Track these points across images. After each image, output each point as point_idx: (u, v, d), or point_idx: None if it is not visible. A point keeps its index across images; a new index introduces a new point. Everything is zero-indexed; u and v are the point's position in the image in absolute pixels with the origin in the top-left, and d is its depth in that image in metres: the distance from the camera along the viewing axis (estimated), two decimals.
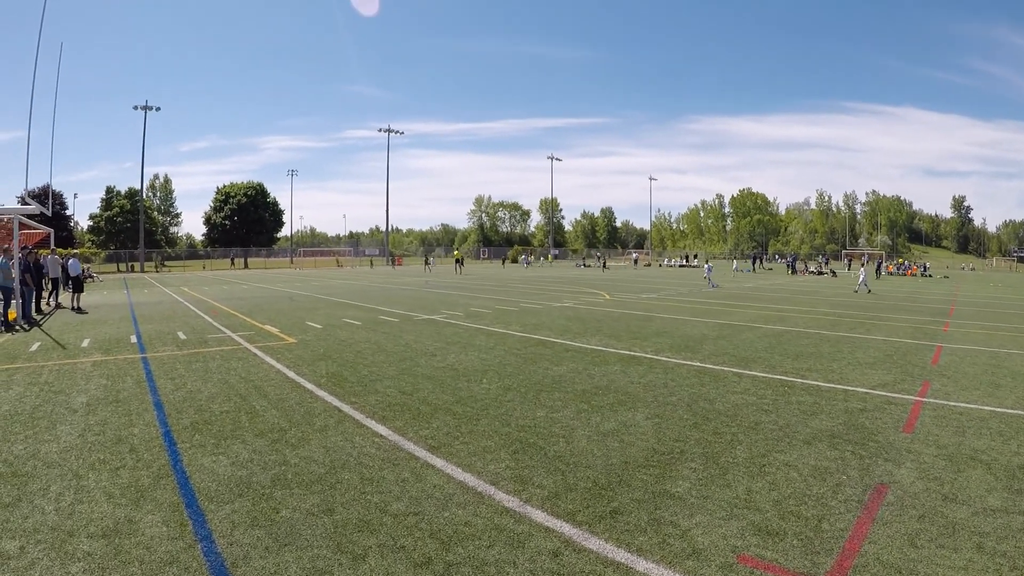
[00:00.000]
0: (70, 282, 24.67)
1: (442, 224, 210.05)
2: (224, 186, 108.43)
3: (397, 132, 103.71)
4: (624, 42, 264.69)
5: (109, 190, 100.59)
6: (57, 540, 4.67)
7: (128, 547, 4.55)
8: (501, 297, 27.87)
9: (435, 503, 5.28)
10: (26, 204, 22.51)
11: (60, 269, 25.71)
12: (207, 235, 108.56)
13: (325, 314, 20.41)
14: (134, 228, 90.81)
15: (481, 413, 8.06)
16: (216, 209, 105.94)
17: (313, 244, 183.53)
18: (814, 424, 7.64)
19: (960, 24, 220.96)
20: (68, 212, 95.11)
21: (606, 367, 11.01)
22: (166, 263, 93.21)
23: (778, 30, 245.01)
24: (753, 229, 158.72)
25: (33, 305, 20.83)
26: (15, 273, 18.57)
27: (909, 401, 8.89)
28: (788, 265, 65.08)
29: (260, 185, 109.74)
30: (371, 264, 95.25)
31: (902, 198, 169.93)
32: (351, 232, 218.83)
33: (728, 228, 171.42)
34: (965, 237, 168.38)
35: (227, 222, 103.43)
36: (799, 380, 10.17)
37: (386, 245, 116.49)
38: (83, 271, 49.96)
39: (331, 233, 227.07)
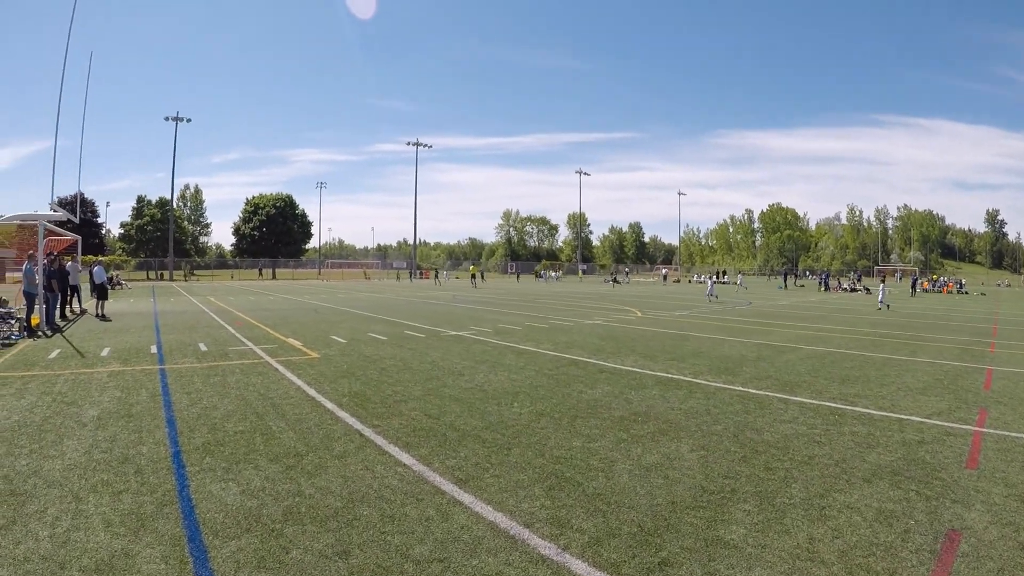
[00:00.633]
0: (95, 289, 24.60)
1: (469, 238, 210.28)
2: (253, 197, 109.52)
3: (425, 146, 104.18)
4: (653, 55, 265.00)
5: (140, 199, 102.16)
6: (47, 571, 4.29)
7: None
8: (531, 313, 27.40)
9: (463, 548, 4.78)
10: (54, 211, 22.50)
11: (79, 276, 25.74)
12: (236, 245, 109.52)
13: (350, 328, 20.06)
14: (164, 237, 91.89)
15: (513, 441, 7.49)
16: (245, 220, 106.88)
17: (341, 256, 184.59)
18: (871, 459, 7.03)
19: (991, 33, 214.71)
20: (99, 220, 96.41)
21: (644, 391, 10.40)
22: (195, 272, 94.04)
23: (806, 43, 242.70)
24: (783, 245, 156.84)
25: (57, 311, 20.74)
26: (39, 279, 18.45)
27: (967, 432, 8.23)
28: (821, 282, 64.22)
29: (289, 197, 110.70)
30: (397, 277, 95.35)
31: (934, 212, 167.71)
32: (379, 245, 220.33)
33: (758, 244, 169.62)
34: (999, 252, 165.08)
35: (256, 233, 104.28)
36: (849, 408, 9.53)
37: (413, 259, 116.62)
38: (112, 278, 50.50)
39: (359, 245, 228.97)
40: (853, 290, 57.74)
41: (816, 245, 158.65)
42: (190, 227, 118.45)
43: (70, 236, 29.30)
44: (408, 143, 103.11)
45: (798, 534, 5.06)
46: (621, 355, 14.42)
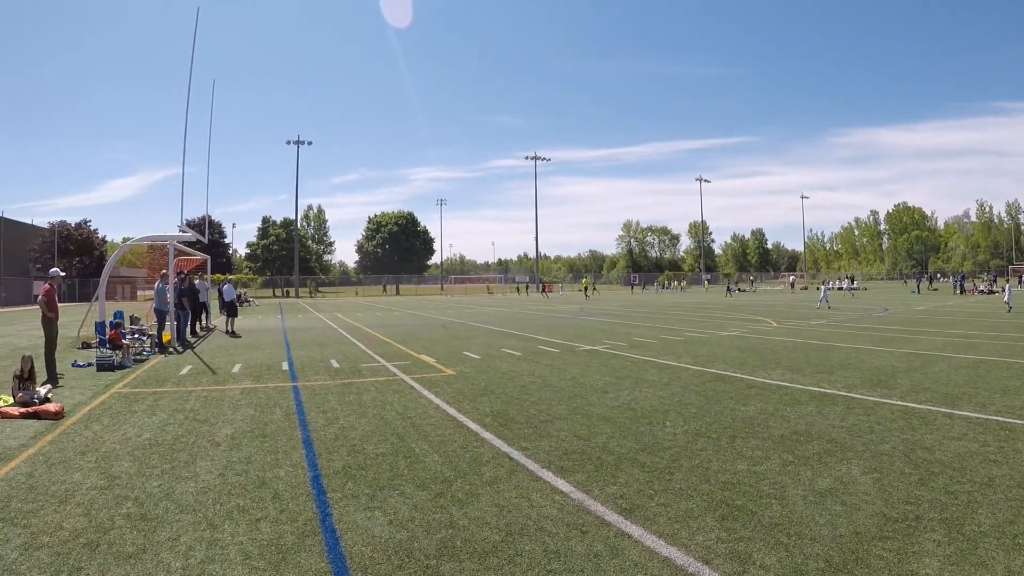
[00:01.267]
0: (224, 307, 25.38)
1: (590, 250, 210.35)
2: (376, 215, 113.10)
3: (543, 159, 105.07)
4: (764, 57, 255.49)
5: (265, 220, 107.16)
6: None
7: None
8: (662, 325, 26.58)
9: None
10: (183, 232, 23.37)
11: (208, 294, 26.66)
12: (359, 263, 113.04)
13: (482, 343, 19.83)
14: (289, 256, 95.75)
15: (673, 465, 6.93)
16: (368, 238, 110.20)
17: (462, 271, 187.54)
18: None
19: None
20: (227, 240, 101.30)
21: (799, 407, 9.78)
22: (320, 289, 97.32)
23: (922, 31, 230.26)
24: (911, 246, 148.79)
25: (188, 328, 21.40)
26: (170, 297, 19.05)
27: None
28: (956, 284, 60.46)
29: (411, 214, 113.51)
30: (518, 291, 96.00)
31: None
32: (499, 259, 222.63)
33: (885, 246, 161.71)
34: None
35: (379, 250, 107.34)
36: (1019, 422, 8.61)
37: (536, 272, 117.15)
38: (241, 296, 52.64)
39: (480, 260, 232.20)
40: (991, 292, 54.76)
41: (946, 245, 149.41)
42: (314, 246, 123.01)
43: (199, 256, 30.52)
44: (526, 157, 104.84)
45: (995, 566, 4.49)
46: (767, 368, 13.65)
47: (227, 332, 23.97)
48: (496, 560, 4.64)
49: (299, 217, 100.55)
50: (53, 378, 12.46)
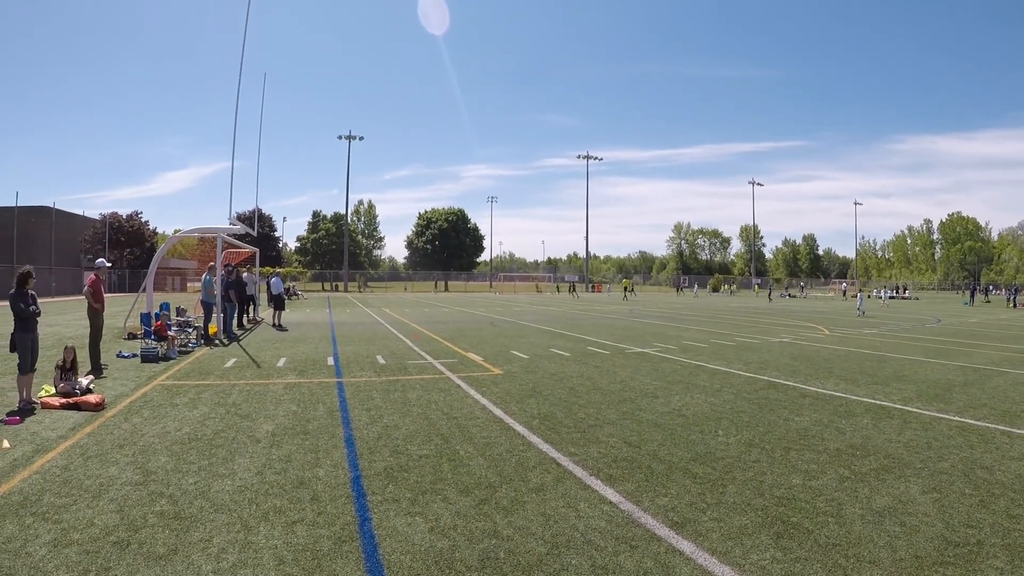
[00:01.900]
0: (272, 299, 25.56)
1: (640, 251, 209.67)
2: (426, 211, 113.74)
3: (596, 159, 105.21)
4: (822, 60, 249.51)
5: (315, 214, 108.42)
6: None
7: None
8: (712, 329, 26.22)
9: None
10: (233, 225, 23.60)
11: (256, 287, 26.89)
12: (409, 258, 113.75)
13: (530, 342, 19.67)
14: (339, 250, 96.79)
15: (726, 476, 6.69)
16: (418, 233, 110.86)
17: (512, 269, 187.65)
18: None
19: None
20: (277, 234, 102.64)
21: (854, 419, 9.54)
22: (369, 284, 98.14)
23: (985, 36, 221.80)
24: (964, 257, 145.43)
25: (235, 320, 21.56)
26: (217, 289, 19.19)
27: None
28: (1009, 297, 58.43)
29: (461, 211, 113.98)
30: (558, 289, 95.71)
31: None
32: (549, 258, 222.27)
33: (937, 256, 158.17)
34: None
35: (428, 246, 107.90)
36: None
37: (586, 272, 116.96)
38: (289, 289, 53.21)
39: (529, 259, 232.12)
40: None
41: (999, 257, 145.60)
42: (364, 240, 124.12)
43: (248, 248, 30.88)
44: (579, 156, 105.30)
45: None
46: (820, 378, 13.35)
47: (274, 325, 24.13)
48: (540, 575, 4.44)
49: (349, 212, 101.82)
50: (97, 369, 12.57)
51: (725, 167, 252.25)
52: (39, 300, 10.29)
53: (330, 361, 14.89)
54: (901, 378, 13.43)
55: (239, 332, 21.36)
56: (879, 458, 7.47)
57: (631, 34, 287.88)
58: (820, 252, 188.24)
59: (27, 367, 9.59)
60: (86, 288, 13.31)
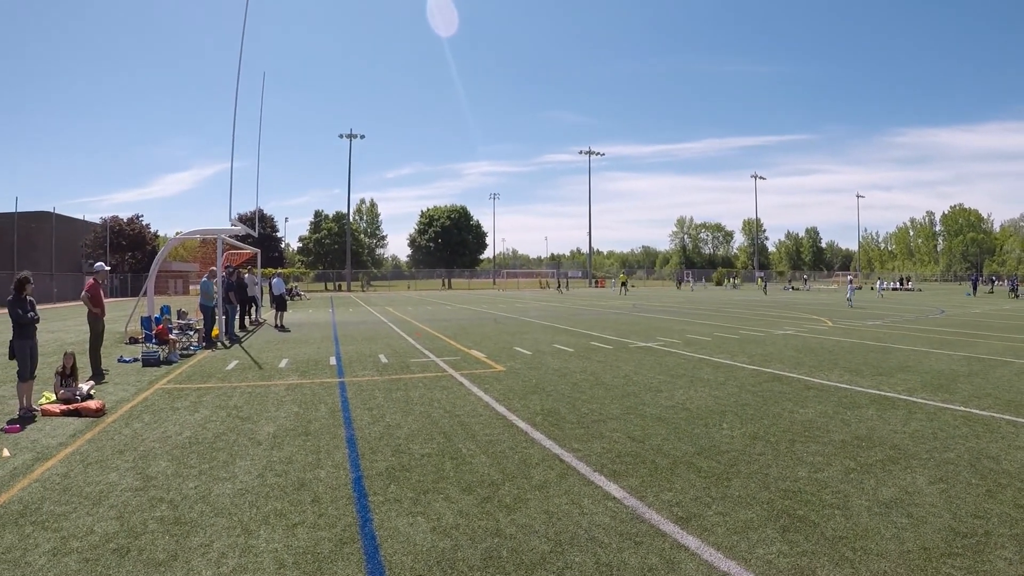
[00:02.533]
0: (274, 300, 25.55)
1: (643, 246, 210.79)
2: (428, 209, 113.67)
3: (598, 154, 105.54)
4: (823, 54, 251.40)
5: (317, 214, 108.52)
6: None
7: None
8: (716, 323, 26.21)
9: None
10: (233, 226, 23.58)
11: (258, 288, 26.87)
12: (411, 256, 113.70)
13: (533, 339, 19.65)
14: (341, 249, 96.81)
15: (730, 470, 6.66)
16: (421, 231, 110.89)
17: (515, 266, 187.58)
18: None
19: None
20: (279, 234, 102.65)
21: (858, 411, 9.51)
22: (372, 283, 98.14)
23: (986, 29, 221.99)
24: (966, 248, 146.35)
25: (236, 322, 21.54)
26: (218, 291, 19.17)
27: None
28: (1011, 288, 58.20)
29: (463, 208, 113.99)
30: (546, 285, 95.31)
31: None
32: (552, 254, 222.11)
33: (940, 248, 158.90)
34: None
35: (431, 244, 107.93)
36: None
37: (589, 268, 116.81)
38: (292, 289, 53.24)
39: (532, 255, 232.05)
40: None
41: (1001, 248, 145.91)
42: (366, 239, 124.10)
43: (249, 250, 30.89)
44: (580, 152, 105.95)
45: None
46: (824, 369, 13.34)
47: (276, 326, 24.14)
48: (544, 573, 4.42)
49: (351, 211, 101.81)
50: (98, 374, 12.55)
51: (727, 161, 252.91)
52: (38, 306, 10.25)
53: (332, 361, 14.87)
54: (906, 369, 13.42)
55: (241, 334, 21.34)
56: (885, 449, 7.44)
57: (632, 30, 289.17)
58: (823, 245, 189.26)
59: (27, 374, 9.55)
60: (84, 293, 13.27)
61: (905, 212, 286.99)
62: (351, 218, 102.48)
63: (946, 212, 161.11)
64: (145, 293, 20.44)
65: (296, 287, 62.06)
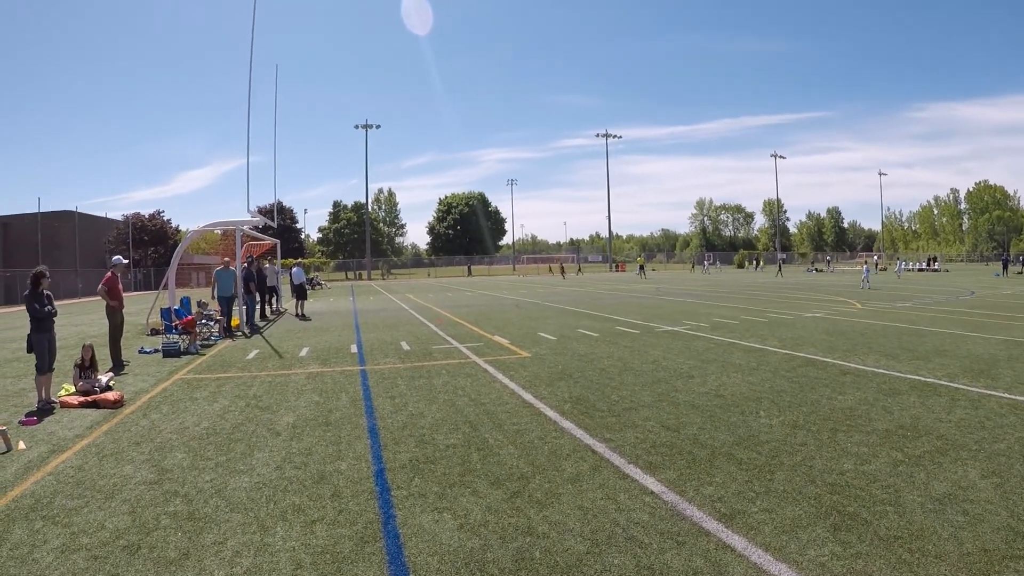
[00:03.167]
0: (294, 290, 25.45)
1: (662, 229, 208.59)
2: (446, 197, 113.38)
3: (615, 136, 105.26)
4: (837, 30, 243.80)
5: (336, 204, 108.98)
6: None
7: None
8: (742, 305, 25.72)
9: None
10: (253, 218, 23.43)
11: (277, 278, 26.78)
12: (431, 244, 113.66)
13: (557, 324, 19.35)
14: (360, 239, 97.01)
15: (772, 462, 6.28)
16: (439, 219, 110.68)
17: (535, 251, 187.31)
18: None
19: None
20: (298, 225, 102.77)
21: (899, 397, 9.05)
22: (392, 271, 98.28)
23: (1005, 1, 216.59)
24: (992, 227, 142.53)
25: (257, 312, 21.40)
26: (238, 282, 18.99)
27: None
28: None
29: (481, 195, 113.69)
30: (549, 271, 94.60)
31: None
32: (571, 239, 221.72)
33: (965, 227, 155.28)
34: None
35: (450, 231, 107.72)
36: None
37: (609, 252, 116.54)
38: (312, 279, 53.22)
39: (552, 240, 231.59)
40: None
41: None
42: (385, 228, 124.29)
43: (269, 240, 30.81)
44: (597, 135, 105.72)
45: None
46: (858, 354, 12.85)
47: (297, 315, 24.05)
48: None
49: (370, 200, 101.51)
50: (118, 365, 12.40)
51: (744, 141, 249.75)
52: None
53: (353, 349, 14.64)
54: (942, 353, 12.93)
55: (262, 324, 21.21)
56: (931, 439, 7.04)
57: (642, 9, 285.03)
58: (845, 225, 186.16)
59: (45, 367, 9.40)
60: (101, 286, 13.10)
61: (927, 190, 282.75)
62: (369, 207, 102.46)
63: (970, 189, 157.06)
64: (166, 286, 20.30)
65: (317, 276, 62.13)
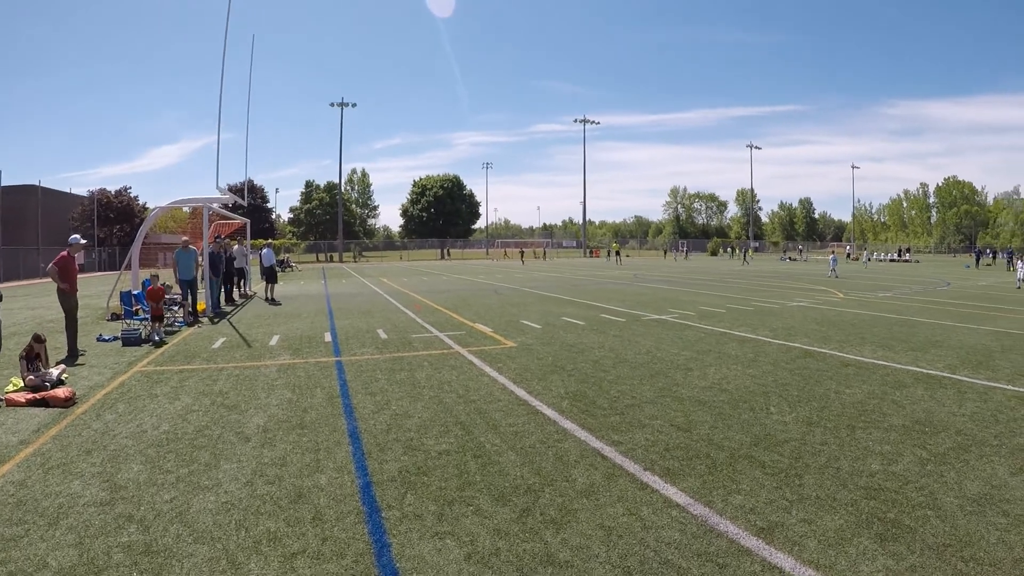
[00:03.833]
0: (264, 272, 24.52)
1: (635, 216, 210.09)
2: (421, 179, 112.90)
3: (593, 122, 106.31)
4: (815, 24, 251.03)
5: (308, 184, 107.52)
6: None
7: None
8: (724, 294, 25.58)
9: None
10: (222, 195, 22.42)
11: (246, 259, 25.79)
12: (404, 226, 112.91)
13: (540, 311, 18.79)
14: (333, 220, 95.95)
15: (797, 464, 5.83)
16: (413, 201, 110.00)
17: (508, 236, 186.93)
18: None
19: None
20: (269, 205, 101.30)
21: (907, 390, 8.84)
22: (364, 254, 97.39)
23: (980, 1, 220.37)
24: (960, 221, 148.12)
25: (223, 296, 20.48)
26: (204, 263, 18.05)
27: None
28: (1009, 260, 58.00)
29: (456, 178, 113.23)
30: (520, 256, 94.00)
31: None
32: (544, 224, 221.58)
33: (933, 220, 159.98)
34: None
35: (424, 214, 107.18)
36: None
37: (583, 237, 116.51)
38: (284, 261, 52.15)
39: (525, 225, 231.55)
40: None
41: (994, 221, 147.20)
42: (358, 210, 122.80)
43: (239, 220, 29.79)
44: (575, 120, 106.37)
45: None
46: (853, 344, 12.73)
47: (267, 299, 23.13)
48: None
49: (343, 181, 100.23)
50: (72, 355, 11.49)
51: (720, 131, 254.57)
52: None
53: (327, 337, 13.88)
54: (936, 344, 12.79)
55: (229, 308, 20.27)
56: (951, 435, 6.77)
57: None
58: (816, 216, 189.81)
59: None
60: (50, 266, 12.09)
61: (898, 184, 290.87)
62: (342, 188, 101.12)
63: (940, 184, 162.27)
64: (128, 266, 19.31)
65: (288, 258, 61.01)
